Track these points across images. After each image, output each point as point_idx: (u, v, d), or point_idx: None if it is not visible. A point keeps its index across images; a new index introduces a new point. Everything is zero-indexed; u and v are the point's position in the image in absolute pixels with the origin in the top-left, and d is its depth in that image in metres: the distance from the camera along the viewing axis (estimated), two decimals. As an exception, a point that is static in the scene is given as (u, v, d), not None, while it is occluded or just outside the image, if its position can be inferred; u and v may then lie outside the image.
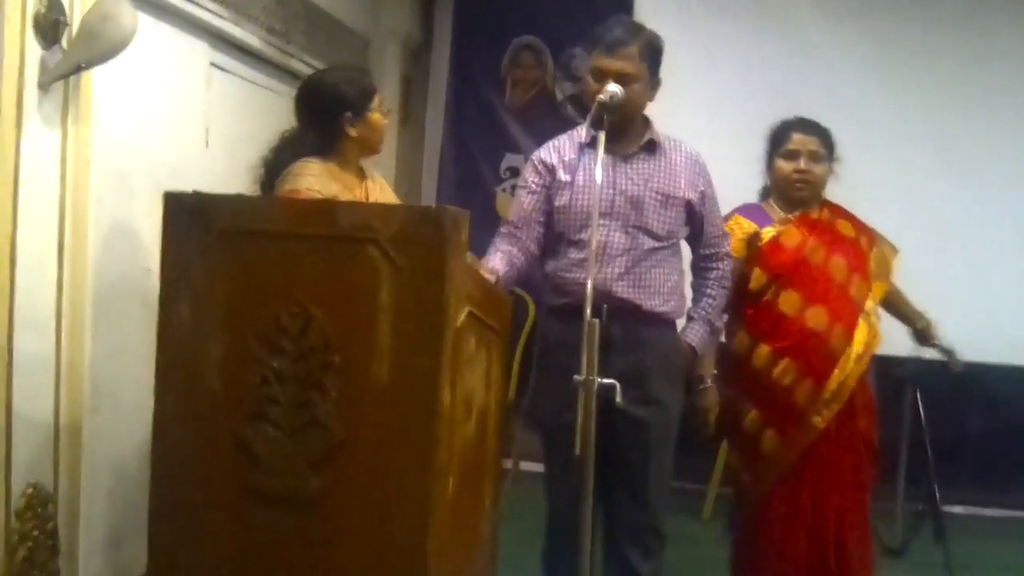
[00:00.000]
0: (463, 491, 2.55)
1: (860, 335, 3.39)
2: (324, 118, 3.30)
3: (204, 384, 2.45)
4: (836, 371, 3.35)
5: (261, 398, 2.39)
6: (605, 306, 3.00)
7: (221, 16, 3.90)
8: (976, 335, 5.03)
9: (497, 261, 3.11)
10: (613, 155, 3.11)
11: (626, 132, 3.12)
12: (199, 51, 3.87)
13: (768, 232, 3.47)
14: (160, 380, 2.50)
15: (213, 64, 3.98)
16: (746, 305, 3.46)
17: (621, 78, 3.03)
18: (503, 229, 3.22)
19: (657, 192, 3.15)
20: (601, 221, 3.06)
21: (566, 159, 3.20)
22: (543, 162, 3.23)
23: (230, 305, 2.45)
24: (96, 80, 3.09)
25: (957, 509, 5.26)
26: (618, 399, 2.65)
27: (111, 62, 3.00)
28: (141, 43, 3.13)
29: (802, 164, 3.45)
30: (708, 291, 3.32)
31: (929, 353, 3.83)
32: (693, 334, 3.28)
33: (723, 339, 3.51)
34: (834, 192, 3.58)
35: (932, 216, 5.18)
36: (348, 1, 5.30)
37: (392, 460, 2.35)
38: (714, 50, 5.55)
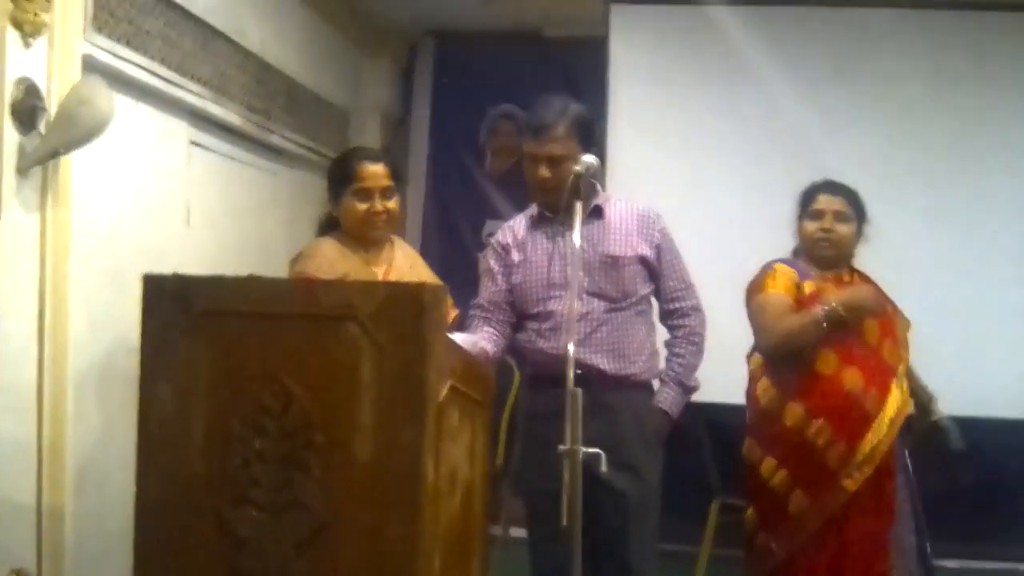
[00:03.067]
0: (450, 566, 2.52)
1: (893, 399, 3.38)
2: (328, 198, 3.37)
3: (186, 466, 2.43)
4: (870, 435, 3.33)
5: (244, 479, 2.37)
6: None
7: (200, 95, 3.93)
8: (966, 387, 5.07)
9: (485, 342, 3.19)
10: (560, 227, 3.18)
11: (568, 204, 3.15)
12: (179, 130, 3.90)
13: (810, 286, 3.48)
14: (142, 463, 2.48)
15: (193, 142, 4.01)
16: (780, 362, 3.45)
17: (551, 160, 3.14)
18: (476, 312, 3.29)
19: (605, 255, 3.20)
20: (556, 292, 3.16)
21: (519, 238, 3.30)
22: (499, 243, 3.37)
23: (211, 386, 2.44)
24: (75, 163, 3.11)
25: (949, 563, 5.23)
26: (603, 468, 2.65)
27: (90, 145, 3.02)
28: (120, 124, 3.16)
29: (827, 223, 3.50)
30: (677, 350, 3.35)
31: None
32: (664, 397, 3.30)
33: (750, 391, 3.52)
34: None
35: (916, 267, 5.18)
36: (328, 76, 5.36)
37: (377, 538, 2.33)
38: (693, 113, 5.60)
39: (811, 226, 3.52)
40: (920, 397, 3.63)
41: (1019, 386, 5.27)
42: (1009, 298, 5.36)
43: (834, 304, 3.34)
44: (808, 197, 3.57)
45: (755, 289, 3.51)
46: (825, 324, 3.32)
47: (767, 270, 3.52)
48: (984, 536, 5.51)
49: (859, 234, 3.56)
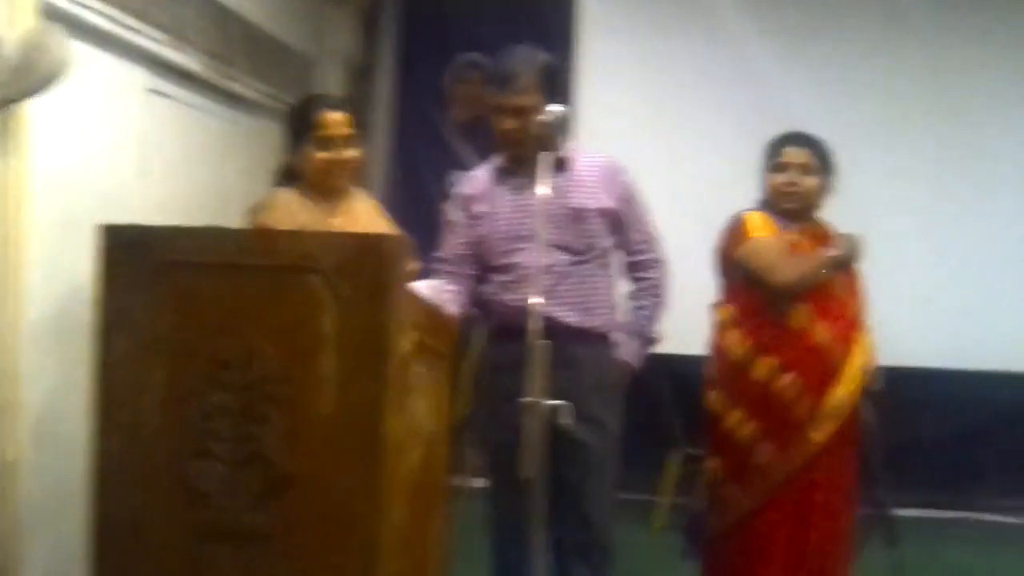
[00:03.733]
0: (412, 519, 2.53)
1: (859, 353, 3.42)
2: (286, 148, 3.31)
3: (146, 418, 2.42)
4: (839, 388, 3.37)
5: (204, 433, 2.37)
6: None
7: (159, 42, 3.85)
8: (925, 339, 5.12)
9: (451, 302, 3.18)
10: (524, 178, 3.16)
11: (533, 156, 3.13)
12: (137, 77, 3.82)
13: (790, 235, 3.49)
14: (100, 416, 2.47)
15: (151, 90, 3.93)
16: (756, 315, 3.46)
17: (517, 112, 3.13)
18: (439, 266, 3.27)
19: (569, 208, 3.19)
20: (520, 245, 3.15)
21: (483, 189, 3.31)
22: (463, 194, 3.35)
23: (170, 338, 2.42)
24: (31, 112, 3.05)
25: (908, 512, 5.31)
26: (566, 419, 2.66)
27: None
28: (77, 71, 3.09)
29: (792, 176, 3.48)
30: (640, 302, 3.36)
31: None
32: (625, 349, 3.31)
33: (716, 343, 3.53)
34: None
35: (881, 221, 5.20)
36: (290, 22, 5.27)
37: (339, 491, 2.33)
38: (662, 64, 5.57)
39: (777, 179, 3.50)
40: None
41: (979, 338, 5.32)
42: (972, 251, 5.41)
43: (836, 253, 3.41)
44: (774, 149, 3.55)
45: (738, 237, 3.49)
46: (832, 264, 3.40)
47: (741, 218, 3.50)
48: (943, 486, 5.59)
49: (825, 187, 3.55)
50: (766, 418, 3.39)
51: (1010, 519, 5.70)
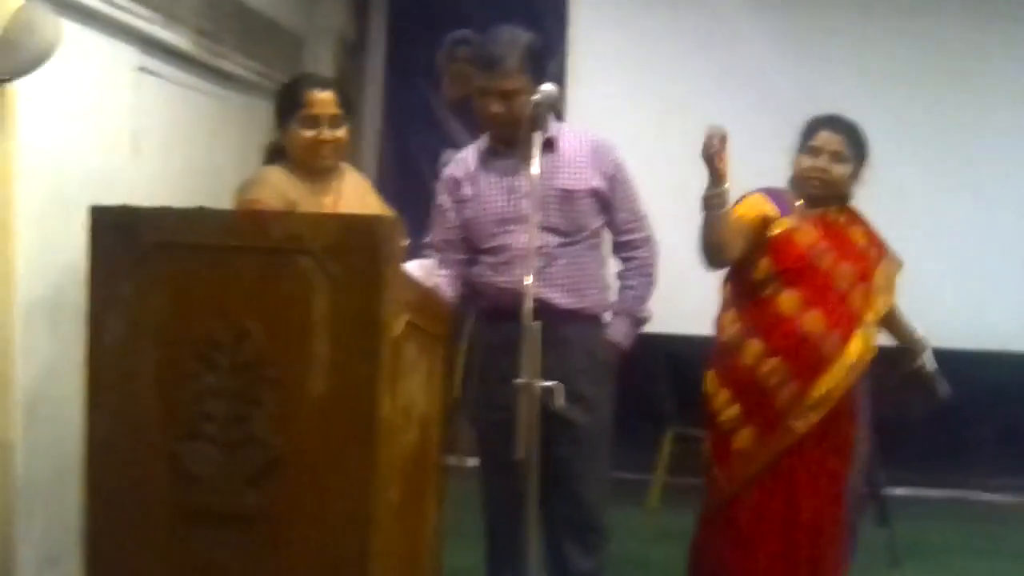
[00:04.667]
0: (406, 500, 2.53)
1: (855, 346, 3.33)
2: (275, 127, 3.29)
3: (137, 401, 2.42)
4: (826, 378, 3.29)
5: (196, 414, 2.36)
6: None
7: (149, 19, 3.83)
8: (916, 319, 5.12)
9: (445, 287, 3.17)
10: (513, 160, 3.17)
11: (521, 138, 3.10)
12: (127, 56, 3.80)
13: (783, 223, 3.40)
14: (92, 398, 2.46)
15: (142, 68, 3.91)
16: (745, 297, 3.41)
17: (503, 95, 3.12)
18: (429, 252, 3.26)
19: (557, 189, 3.18)
20: (509, 227, 3.17)
21: (470, 171, 3.29)
22: (451, 177, 3.32)
23: (161, 320, 2.41)
24: (20, 91, 3.02)
25: (900, 491, 5.32)
26: (560, 401, 2.65)
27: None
28: (66, 50, 3.07)
29: (821, 162, 3.40)
30: (629, 282, 3.35)
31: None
32: (616, 330, 3.30)
33: (719, 319, 3.48)
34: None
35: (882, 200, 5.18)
36: (280, 0, 5.24)
37: (332, 473, 2.33)
38: (654, 44, 5.55)
39: (806, 161, 3.43)
40: (906, 338, 3.60)
41: (969, 317, 5.33)
42: (960, 231, 5.41)
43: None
44: (810, 131, 3.47)
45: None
46: (706, 208, 3.23)
47: (743, 197, 3.43)
48: (935, 465, 5.61)
49: (856, 175, 3.47)
50: (749, 402, 3.34)
51: (1001, 497, 5.73)
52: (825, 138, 3.42)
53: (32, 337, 3.18)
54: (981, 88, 5.38)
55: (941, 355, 4.69)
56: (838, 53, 5.42)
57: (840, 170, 3.42)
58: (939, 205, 5.40)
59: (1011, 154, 5.42)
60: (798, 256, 3.36)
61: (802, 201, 3.44)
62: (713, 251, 3.31)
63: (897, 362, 3.55)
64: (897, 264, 3.56)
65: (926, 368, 3.63)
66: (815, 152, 3.42)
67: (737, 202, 3.40)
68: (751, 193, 3.46)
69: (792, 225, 3.40)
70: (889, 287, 3.51)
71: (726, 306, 3.49)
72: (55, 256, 3.27)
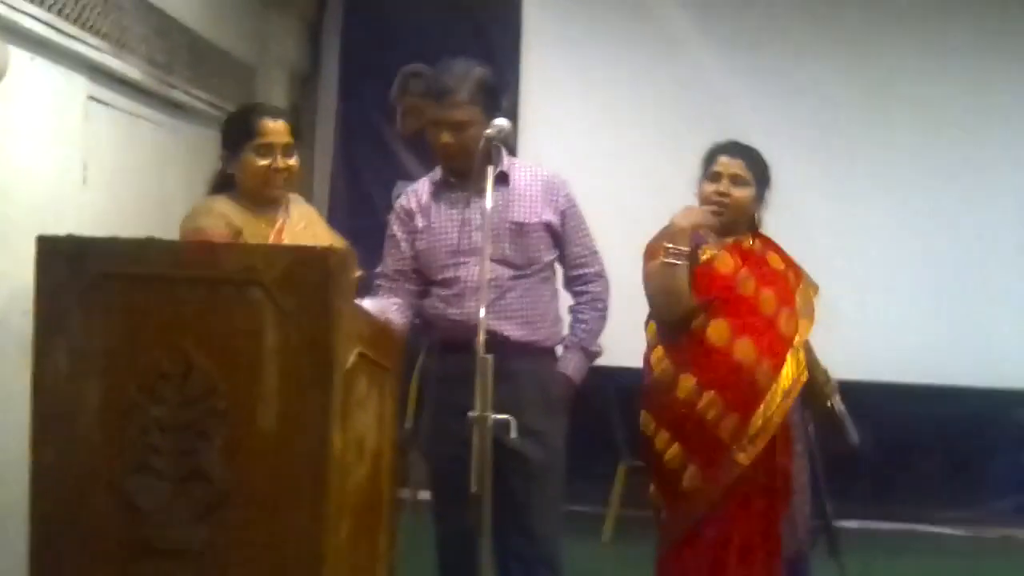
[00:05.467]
0: (357, 536, 2.50)
1: (788, 370, 3.27)
2: (220, 154, 3.27)
3: (83, 434, 2.36)
4: (762, 407, 3.22)
5: (143, 448, 2.31)
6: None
7: (99, 48, 3.80)
8: (867, 353, 5.17)
9: (393, 313, 3.17)
10: (465, 192, 3.19)
11: (473, 170, 3.12)
12: (76, 85, 3.76)
13: (707, 251, 3.36)
14: (36, 431, 2.40)
15: (91, 97, 3.87)
16: (672, 332, 3.33)
17: (454, 126, 3.14)
18: (381, 282, 3.26)
19: (510, 222, 3.19)
20: (461, 259, 3.19)
21: (423, 203, 3.29)
22: (404, 209, 3.33)
23: (108, 352, 2.37)
24: (-34, 119, 2.99)
25: (850, 524, 5.35)
26: (512, 434, 2.64)
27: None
28: (15, 78, 3.04)
29: (723, 187, 3.36)
30: (581, 316, 3.36)
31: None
32: (567, 363, 3.31)
33: (645, 361, 3.41)
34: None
35: (813, 235, 5.22)
36: (233, 31, 5.22)
37: (282, 508, 2.29)
38: (605, 76, 5.59)
39: (708, 187, 3.40)
40: (817, 378, 3.50)
41: (918, 352, 5.39)
42: (903, 262, 5.48)
43: (664, 242, 3.24)
44: (710, 157, 3.45)
45: (647, 256, 3.37)
46: (672, 260, 3.21)
47: (660, 235, 3.35)
48: (884, 498, 5.65)
49: (760, 198, 3.44)
50: (689, 439, 3.26)
51: (950, 530, 5.78)
52: (724, 163, 3.39)
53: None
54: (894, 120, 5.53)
55: (891, 389, 4.73)
56: (792, 85, 5.50)
57: (741, 193, 3.38)
58: (887, 237, 5.48)
59: (962, 184, 5.52)
60: (720, 285, 3.31)
61: (711, 229, 3.40)
62: (676, 300, 3.26)
63: (807, 400, 3.45)
64: (814, 288, 3.51)
65: (838, 410, 3.55)
66: (715, 177, 3.39)
67: (655, 242, 3.35)
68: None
69: (710, 254, 3.36)
70: (808, 311, 3.44)
71: (651, 344, 3.41)
72: (1, 285, 3.22)
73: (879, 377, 5.14)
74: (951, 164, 5.52)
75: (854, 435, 3.56)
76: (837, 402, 3.55)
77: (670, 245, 3.23)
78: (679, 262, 3.23)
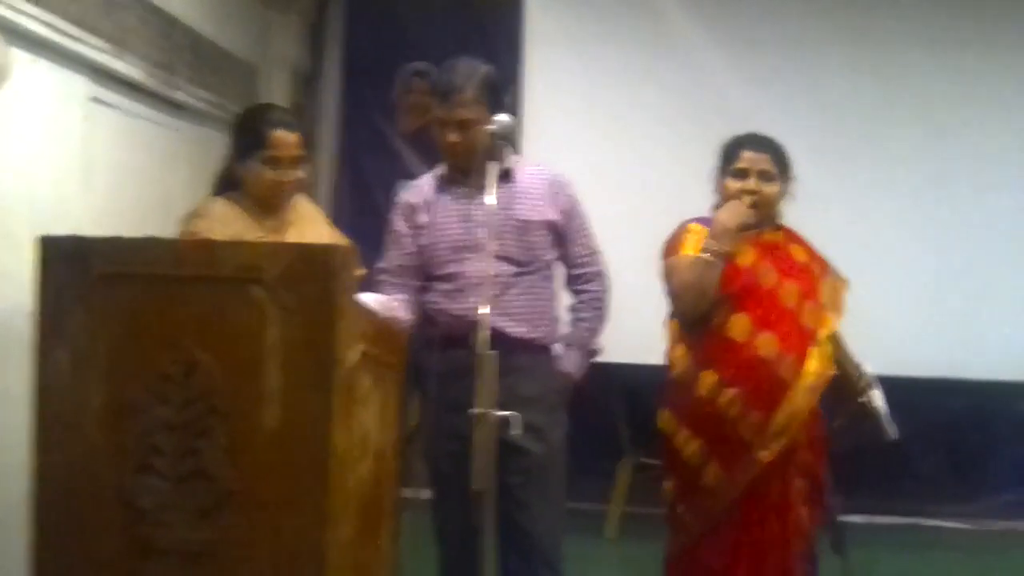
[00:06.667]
0: (360, 534, 2.50)
1: (812, 366, 3.19)
2: (229, 155, 3.26)
3: (86, 434, 2.37)
4: (785, 404, 3.14)
5: (146, 448, 2.32)
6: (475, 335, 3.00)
7: (102, 50, 3.80)
8: (875, 346, 5.15)
9: (401, 312, 3.17)
10: (469, 188, 3.20)
11: (478, 167, 3.11)
12: (79, 86, 3.76)
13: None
14: (39, 432, 2.41)
15: (94, 99, 3.87)
16: (694, 328, 3.26)
17: (460, 125, 3.16)
18: (383, 277, 3.25)
19: (514, 219, 3.20)
20: (464, 255, 3.20)
21: (426, 199, 3.30)
22: (407, 203, 3.34)
23: (111, 352, 2.37)
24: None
25: (855, 518, 5.34)
26: (515, 431, 2.65)
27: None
28: (17, 80, 3.04)
29: (751, 184, 3.25)
30: (581, 314, 3.37)
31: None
32: (568, 361, 3.33)
33: (667, 358, 3.35)
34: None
35: (814, 231, 5.21)
36: (235, 31, 5.22)
37: (285, 507, 2.29)
38: (608, 73, 5.58)
39: (734, 185, 3.27)
40: (849, 373, 3.43)
41: (920, 345, 5.37)
42: (922, 256, 5.47)
43: (708, 240, 3.18)
44: (731, 152, 3.32)
45: (668, 251, 3.33)
46: (712, 258, 3.14)
47: (681, 230, 3.32)
48: (890, 492, 5.64)
49: (784, 192, 3.33)
50: (711, 437, 3.19)
51: (954, 524, 5.77)
52: (751, 158, 3.27)
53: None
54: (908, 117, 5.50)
55: (893, 383, 4.72)
56: (796, 83, 5.49)
57: (771, 189, 3.28)
58: (888, 232, 5.47)
59: (962, 177, 5.51)
60: (741, 278, 3.23)
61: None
62: (705, 296, 3.19)
63: (840, 395, 3.38)
64: (842, 281, 3.42)
65: (872, 406, 3.48)
66: (742, 174, 3.27)
67: (676, 237, 3.33)
68: (686, 226, 3.34)
69: (736, 247, 3.25)
70: (836, 304, 3.36)
71: (674, 341, 3.35)
72: (3, 287, 3.22)
73: (881, 371, 5.10)
74: (954, 161, 5.50)
75: (893, 430, 3.50)
76: (874, 396, 3.48)
77: (713, 243, 3.17)
78: (719, 261, 3.17)
